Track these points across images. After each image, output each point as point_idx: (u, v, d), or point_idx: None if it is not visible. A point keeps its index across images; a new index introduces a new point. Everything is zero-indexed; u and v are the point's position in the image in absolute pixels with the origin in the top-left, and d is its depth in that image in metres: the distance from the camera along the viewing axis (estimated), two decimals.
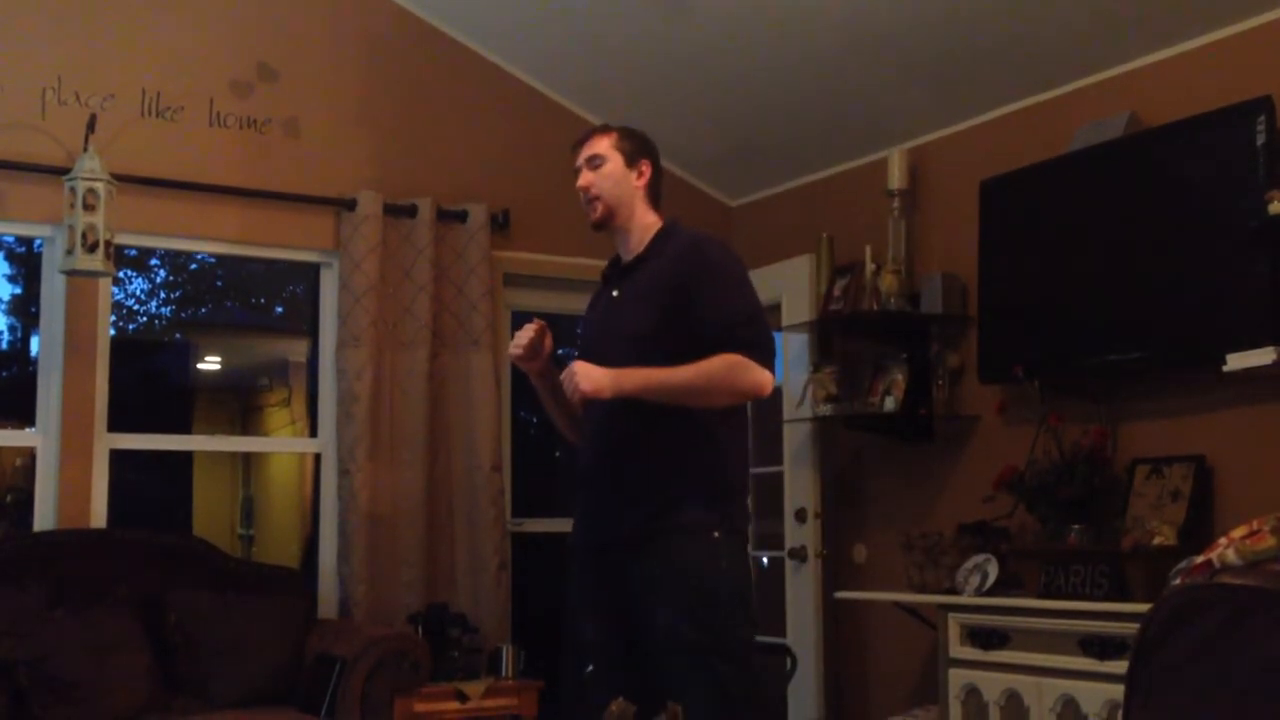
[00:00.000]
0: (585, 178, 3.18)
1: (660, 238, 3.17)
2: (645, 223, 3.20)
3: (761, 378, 2.94)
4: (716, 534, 2.98)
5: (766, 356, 2.97)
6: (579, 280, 5.61)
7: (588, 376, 2.91)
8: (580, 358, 3.09)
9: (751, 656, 3.07)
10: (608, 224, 3.20)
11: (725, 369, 2.91)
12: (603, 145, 3.19)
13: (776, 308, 5.24)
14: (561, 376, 2.98)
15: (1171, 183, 4.00)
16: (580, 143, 3.23)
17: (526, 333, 3.15)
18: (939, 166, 4.96)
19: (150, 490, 6.73)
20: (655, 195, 3.23)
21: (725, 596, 2.98)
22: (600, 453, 3.12)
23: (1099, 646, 3.73)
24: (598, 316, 3.27)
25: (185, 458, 7.13)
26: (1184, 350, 3.93)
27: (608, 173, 3.17)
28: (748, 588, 3.10)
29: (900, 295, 4.79)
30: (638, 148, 3.21)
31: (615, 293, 3.22)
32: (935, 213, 4.95)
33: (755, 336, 2.97)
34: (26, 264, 5.67)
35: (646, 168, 3.21)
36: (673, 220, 3.25)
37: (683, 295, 3.01)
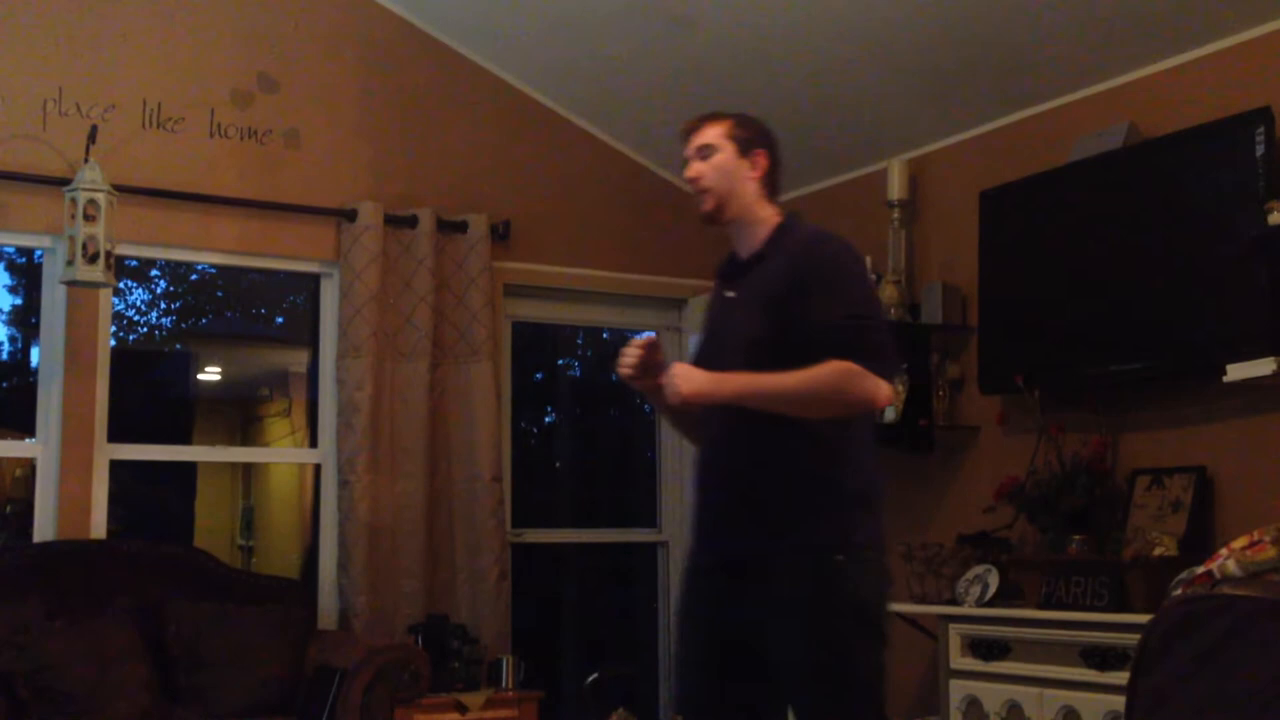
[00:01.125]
0: (694, 168, 2.96)
1: (778, 234, 2.94)
2: (761, 217, 2.96)
3: (875, 388, 2.71)
4: (839, 557, 2.73)
5: (882, 365, 2.75)
6: (580, 291, 5.63)
7: (688, 379, 2.75)
8: (694, 361, 2.94)
9: (878, 689, 2.79)
10: (718, 219, 2.97)
11: (834, 377, 2.69)
12: (715, 134, 2.97)
13: None
14: (662, 380, 2.81)
15: (1171, 193, 4.00)
16: (690, 130, 3.01)
17: (634, 350, 2.91)
18: (939, 177, 4.96)
19: (156, 501, 6.73)
20: (772, 187, 2.99)
21: (849, 626, 2.73)
22: (711, 467, 2.95)
23: (1100, 657, 3.73)
24: (713, 319, 3.06)
25: (190, 469, 7.12)
26: (1184, 361, 3.93)
27: (718, 163, 2.94)
28: (876, 613, 2.80)
29: (900, 305, 4.79)
30: (753, 136, 2.98)
31: (730, 293, 3.00)
32: (935, 223, 4.95)
33: (870, 342, 2.74)
34: (27, 274, 5.68)
35: (762, 158, 2.96)
36: (792, 215, 3.01)
37: (796, 297, 2.79)
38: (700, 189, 2.96)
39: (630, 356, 2.91)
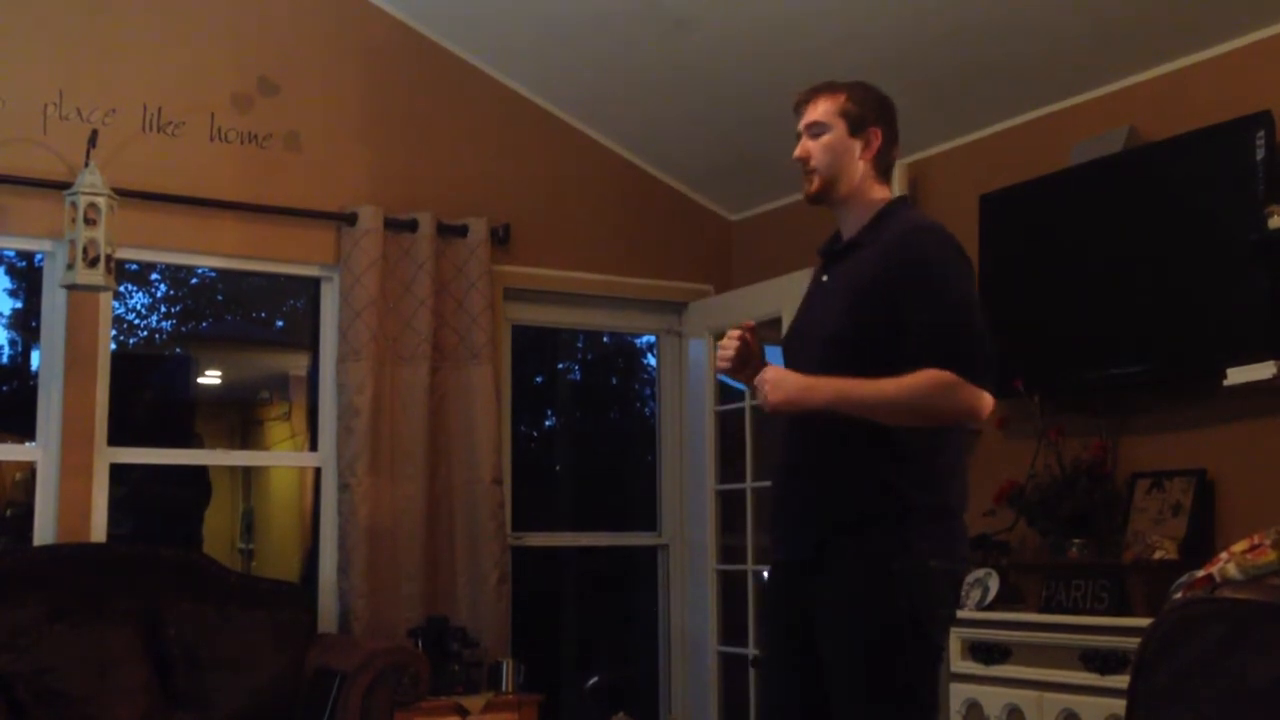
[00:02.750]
0: (802, 147, 2.84)
1: (877, 221, 2.80)
2: (869, 200, 2.83)
3: (973, 400, 2.59)
4: (895, 565, 2.63)
5: (982, 374, 2.62)
6: (579, 294, 5.63)
7: (777, 386, 2.66)
8: (785, 346, 2.88)
9: (923, 702, 2.70)
10: (824, 201, 2.85)
11: (931, 388, 2.58)
12: (826, 110, 2.82)
13: (777, 323, 5.24)
14: (755, 382, 2.72)
15: (1171, 197, 4.00)
16: (802, 103, 2.87)
17: (731, 343, 2.80)
18: (939, 180, 4.96)
19: (170, 505, 6.75)
20: (884, 167, 2.86)
21: (897, 634, 2.64)
22: (782, 465, 2.88)
23: (1100, 661, 3.72)
24: (806, 302, 2.95)
25: (201, 473, 7.15)
26: (1184, 364, 3.93)
27: (827, 144, 2.81)
28: (929, 624, 2.68)
29: None
30: (867, 113, 2.82)
31: (825, 278, 2.89)
32: None
33: (969, 350, 2.62)
34: (27, 278, 5.68)
35: (875, 136, 2.82)
36: (898, 200, 2.88)
37: (884, 293, 2.66)
38: (806, 170, 2.85)
39: (729, 349, 2.81)
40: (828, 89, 2.87)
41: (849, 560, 2.69)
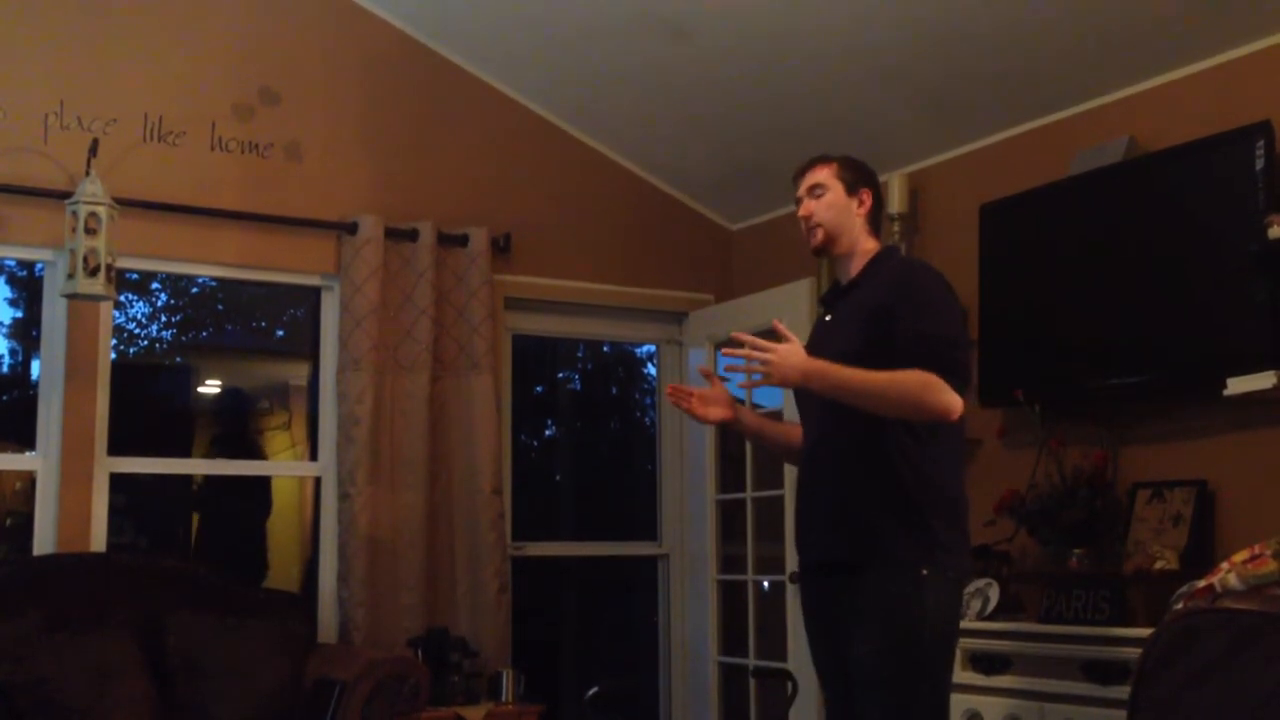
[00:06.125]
0: (807, 206, 3.27)
1: (874, 263, 3.25)
2: (863, 249, 3.27)
3: (951, 400, 2.95)
4: (925, 571, 3.01)
5: (960, 382, 3.00)
6: (580, 304, 5.63)
7: (784, 362, 2.99)
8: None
9: (945, 701, 3.08)
10: (827, 251, 3.30)
11: (917, 384, 2.94)
12: (824, 175, 3.27)
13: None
14: (766, 354, 3.01)
15: (1171, 207, 4.00)
16: (801, 172, 3.32)
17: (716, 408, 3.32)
18: (939, 190, 4.97)
19: (238, 520, 6.77)
20: (875, 223, 3.31)
21: (927, 636, 3.01)
22: (808, 478, 3.26)
23: (1101, 671, 3.72)
24: (814, 339, 3.34)
25: (264, 484, 7.14)
26: (1185, 374, 3.93)
27: (829, 202, 3.25)
28: (953, 627, 3.11)
29: None
30: (858, 177, 3.28)
31: (829, 316, 3.33)
32: (935, 236, 4.95)
33: (951, 360, 2.99)
34: (28, 288, 5.67)
35: (867, 197, 3.28)
36: (889, 247, 3.35)
37: (886, 317, 3.06)
38: (812, 225, 3.26)
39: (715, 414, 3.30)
40: (822, 160, 3.30)
41: (883, 568, 3.02)
